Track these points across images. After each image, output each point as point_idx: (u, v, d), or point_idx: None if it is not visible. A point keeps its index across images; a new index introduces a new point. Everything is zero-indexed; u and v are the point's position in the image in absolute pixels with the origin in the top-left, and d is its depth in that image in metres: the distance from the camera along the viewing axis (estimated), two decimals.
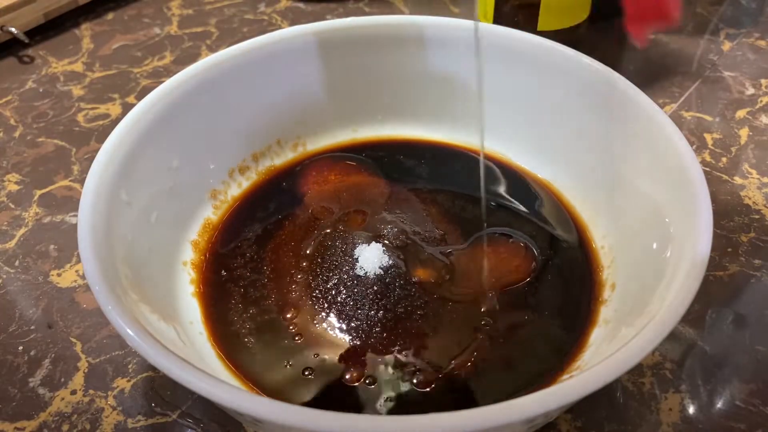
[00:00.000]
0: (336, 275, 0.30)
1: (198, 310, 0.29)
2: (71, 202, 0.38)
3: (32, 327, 0.31)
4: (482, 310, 0.28)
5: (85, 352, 0.30)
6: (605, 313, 0.28)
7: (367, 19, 0.34)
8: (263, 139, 0.35)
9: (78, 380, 0.29)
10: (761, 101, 0.43)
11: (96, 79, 0.47)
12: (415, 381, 0.26)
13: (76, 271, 0.34)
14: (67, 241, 0.35)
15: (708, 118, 0.41)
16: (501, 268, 0.30)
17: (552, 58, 0.32)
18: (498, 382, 0.26)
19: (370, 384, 0.26)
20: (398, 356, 0.27)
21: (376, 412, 0.18)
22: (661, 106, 0.36)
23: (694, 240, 0.23)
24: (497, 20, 0.41)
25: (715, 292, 0.32)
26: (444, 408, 0.22)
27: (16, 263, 0.34)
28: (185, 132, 0.31)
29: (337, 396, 0.26)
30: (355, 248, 0.30)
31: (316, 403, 0.25)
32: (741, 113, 0.42)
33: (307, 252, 0.31)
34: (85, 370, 0.29)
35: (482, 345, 0.27)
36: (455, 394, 0.26)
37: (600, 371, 0.19)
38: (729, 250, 0.33)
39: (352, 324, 0.28)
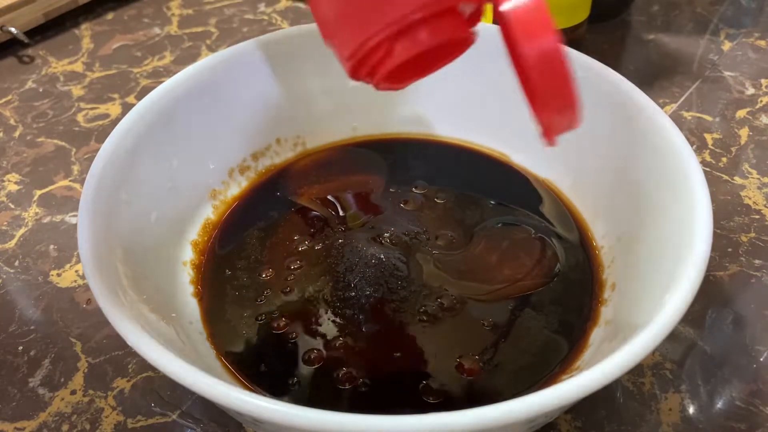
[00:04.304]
0: (336, 276, 0.29)
1: (198, 310, 0.29)
2: (71, 202, 0.38)
3: (32, 327, 0.31)
4: (483, 310, 0.28)
5: (85, 352, 0.30)
6: (605, 313, 0.28)
7: None
8: (263, 138, 0.35)
9: (78, 380, 0.29)
10: (761, 101, 0.42)
11: (96, 79, 0.47)
12: (415, 382, 0.26)
13: (76, 271, 0.34)
14: (67, 241, 0.35)
15: (708, 118, 0.41)
16: (513, 272, 0.30)
17: None
18: (498, 382, 0.26)
19: (370, 386, 0.26)
20: (399, 358, 0.27)
21: (377, 414, 0.18)
22: (661, 106, 0.36)
23: (694, 240, 0.23)
24: (497, 20, 0.41)
25: (715, 292, 0.32)
26: (444, 408, 0.22)
27: (16, 263, 0.34)
28: (185, 132, 0.31)
29: (337, 397, 0.26)
30: (355, 248, 0.30)
31: (316, 403, 0.25)
32: (741, 113, 0.42)
33: (308, 252, 0.31)
34: (85, 370, 0.29)
35: (482, 345, 0.27)
36: (456, 395, 0.26)
37: (600, 371, 0.19)
38: (729, 250, 0.33)
39: (352, 325, 0.28)
